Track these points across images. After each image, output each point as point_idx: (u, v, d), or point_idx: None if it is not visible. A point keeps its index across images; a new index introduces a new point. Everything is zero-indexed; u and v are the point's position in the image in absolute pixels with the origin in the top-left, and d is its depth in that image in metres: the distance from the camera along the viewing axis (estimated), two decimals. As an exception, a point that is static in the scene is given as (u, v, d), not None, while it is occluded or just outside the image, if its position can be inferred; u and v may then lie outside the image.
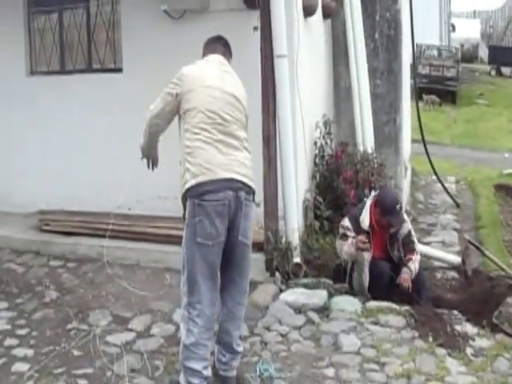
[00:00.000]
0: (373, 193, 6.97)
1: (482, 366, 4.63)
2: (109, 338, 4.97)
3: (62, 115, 7.35)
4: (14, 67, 7.69)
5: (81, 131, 7.26)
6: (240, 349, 4.33)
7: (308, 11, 6.83)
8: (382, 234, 5.83)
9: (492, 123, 18.27)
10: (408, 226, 5.97)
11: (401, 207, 5.84)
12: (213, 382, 4.23)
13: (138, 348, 4.83)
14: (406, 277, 5.68)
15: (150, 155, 4.62)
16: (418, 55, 22.80)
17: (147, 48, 6.85)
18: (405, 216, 6.00)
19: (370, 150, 7.67)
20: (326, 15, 7.84)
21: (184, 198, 4.06)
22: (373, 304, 5.44)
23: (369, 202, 5.89)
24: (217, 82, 4.21)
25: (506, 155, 14.07)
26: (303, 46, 6.45)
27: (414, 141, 10.38)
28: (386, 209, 5.70)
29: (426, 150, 9.71)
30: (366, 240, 5.62)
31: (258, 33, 5.91)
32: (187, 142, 4.08)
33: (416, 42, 22.30)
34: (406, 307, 5.38)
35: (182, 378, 4.07)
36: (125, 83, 7.05)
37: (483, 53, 42.80)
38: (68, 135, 7.34)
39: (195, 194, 3.97)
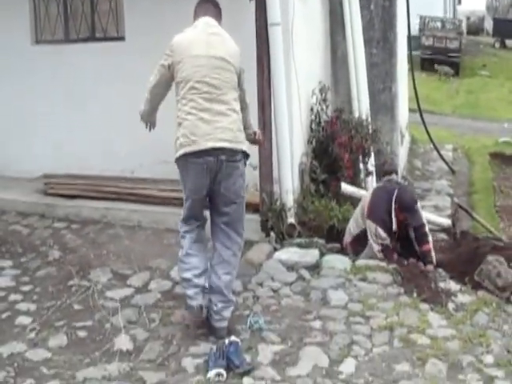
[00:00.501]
0: (371, 162, 7.12)
1: (462, 319, 4.78)
2: (108, 293, 5.11)
3: (66, 82, 7.45)
4: (19, 36, 7.78)
5: (84, 98, 7.36)
6: (231, 297, 4.53)
7: None
8: (398, 225, 5.95)
9: (493, 94, 18.25)
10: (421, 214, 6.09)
11: (418, 206, 5.97)
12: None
13: (135, 302, 4.98)
14: (430, 269, 5.75)
15: (149, 120, 4.94)
16: (421, 27, 22.79)
17: (149, 17, 6.93)
18: (420, 212, 6.05)
19: (364, 117, 7.76)
20: None
21: (176, 161, 4.53)
22: (362, 262, 5.58)
23: (393, 204, 5.89)
24: (203, 48, 4.43)
25: (506, 125, 14.09)
26: (299, 15, 6.52)
27: (415, 110, 10.41)
28: (406, 207, 5.89)
29: (422, 118, 9.79)
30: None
31: (254, 2, 5.98)
32: (178, 113, 4.44)
33: (420, 14, 22.32)
34: (394, 265, 5.52)
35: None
36: (127, 51, 7.13)
37: (488, 25, 42.42)
38: (72, 102, 7.44)
39: (182, 160, 4.45)
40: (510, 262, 5.51)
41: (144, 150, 6.73)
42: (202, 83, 4.37)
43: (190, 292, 4.49)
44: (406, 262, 5.69)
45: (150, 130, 4.99)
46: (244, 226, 4.67)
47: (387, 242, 5.84)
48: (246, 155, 4.57)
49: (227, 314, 4.50)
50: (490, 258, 5.45)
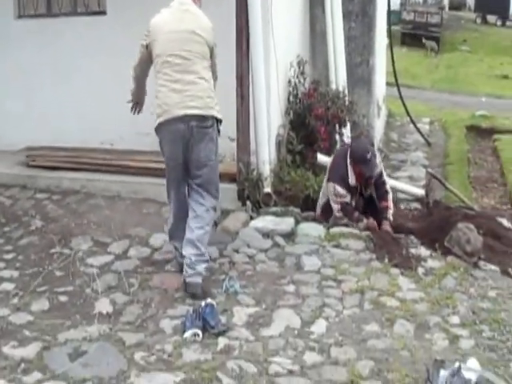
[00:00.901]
0: (346, 133, 7.26)
1: (431, 283, 4.96)
2: (89, 260, 5.26)
3: (49, 56, 7.50)
4: (1, 11, 7.79)
5: (66, 72, 7.42)
6: (203, 251, 4.77)
7: None
8: (361, 179, 6.02)
9: (472, 69, 18.43)
10: (380, 167, 6.19)
11: (372, 155, 5.96)
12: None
13: (115, 268, 5.12)
14: (386, 228, 5.96)
15: (139, 100, 5.30)
16: (403, 1, 22.91)
17: None
18: (377, 160, 6.10)
19: (341, 89, 7.87)
20: None
21: (155, 131, 4.91)
22: (336, 229, 5.74)
23: (348, 158, 5.97)
24: (174, 24, 4.77)
25: (483, 99, 14.26)
26: (278, -11, 6.58)
27: (393, 84, 10.52)
28: (358, 159, 5.88)
29: (399, 92, 9.91)
30: (376, 224, 5.91)
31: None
32: (156, 86, 4.82)
33: (403, -12, 22.33)
34: (367, 232, 5.69)
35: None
36: (108, 25, 7.19)
37: (470, 0, 42.52)
38: (54, 76, 7.50)
39: (158, 129, 4.84)
40: (480, 229, 5.69)
41: (124, 122, 6.80)
42: (173, 56, 4.70)
43: (178, 253, 4.98)
44: (365, 221, 5.87)
45: (134, 112, 5.37)
46: (218, 189, 4.97)
47: (347, 199, 5.93)
48: (217, 120, 4.84)
49: (200, 268, 4.73)
50: (460, 224, 5.61)
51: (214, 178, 4.93)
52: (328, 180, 6.09)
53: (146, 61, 4.93)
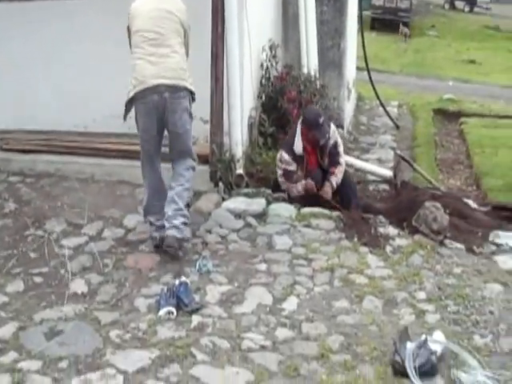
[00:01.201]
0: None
1: (399, 261, 5.07)
2: (63, 242, 5.25)
3: (22, 40, 7.39)
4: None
5: (39, 54, 7.32)
6: (181, 206, 5.00)
7: None
8: (314, 148, 6.11)
9: (440, 54, 18.59)
10: (336, 137, 6.23)
11: (324, 120, 6.01)
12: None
13: (89, 250, 5.13)
14: (326, 190, 6.05)
15: None
16: (374, -13, 22.92)
17: None
18: (332, 128, 6.17)
19: (313, 73, 7.91)
20: None
21: (130, 103, 5.05)
22: (306, 210, 5.81)
23: (298, 126, 6.09)
24: (153, 4, 5.06)
25: (450, 83, 14.40)
26: (254, -27, 6.58)
27: (363, 68, 10.57)
28: (310, 124, 5.94)
29: (369, 75, 9.98)
30: (314, 185, 5.97)
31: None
32: (131, 60, 5.03)
33: (372, -27, 22.36)
34: (337, 212, 5.77)
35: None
36: (83, 10, 7.10)
37: (440, -14, 42.76)
38: (26, 59, 7.40)
39: (134, 101, 5.00)
40: (446, 208, 5.79)
41: (97, 105, 6.79)
42: (149, 32, 4.96)
43: (154, 228, 5.13)
44: (303, 181, 5.98)
45: None
46: (195, 156, 5.26)
47: (292, 167, 6.02)
48: (190, 92, 5.05)
49: (177, 222, 4.93)
50: (427, 204, 5.71)
51: (190, 144, 5.19)
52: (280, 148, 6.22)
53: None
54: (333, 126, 6.25)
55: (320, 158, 6.16)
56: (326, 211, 5.80)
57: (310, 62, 8.12)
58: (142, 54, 4.96)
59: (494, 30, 24.68)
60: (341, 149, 6.30)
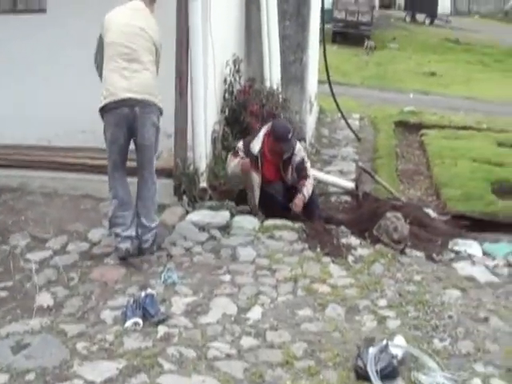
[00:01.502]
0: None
1: (360, 269, 5.26)
2: (28, 256, 5.31)
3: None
4: None
5: (3, 68, 7.37)
6: (148, 224, 5.28)
7: None
8: (276, 160, 6.30)
9: (401, 66, 18.95)
10: (302, 153, 6.44)
11: (292, 135, 6.24)
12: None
13: (54, 263, 5.21)
14: (298, 201, 6.23)
15: None
16: (334, 1, 23.25)
17: None
18: (298, 144, 6.43)
19: (276, 87, 8.09)
20: None
21: (99, 112, 5.26)
22: (270, 222, 5.98)
23: (263, 130, 6.31)
24: (127, 19, 5.30)
25: (411, 95, 14.71)
26: (217, -11, 6.73)
27: (325, 81, 10.78)
28: (278, 136, 6.16)
29: (330, 88, 10.20)
30: (249, 164, 6.16)
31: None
32: (103, 71, 5.28)
33: (334, -13, 22.72)
34: (299, 224, 5.94)
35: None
36: (48, 24, 7.17)
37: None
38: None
39: (103, 111, 5.22)
40: (406, 218, 6.01)
41: (60, 119, 6.86)
42: (122, 46, 5.18)
43: (119, 239, 5.27)
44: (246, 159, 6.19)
45: None
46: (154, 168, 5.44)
47: (243, 155, 6.26)
48: (158, 108, 5.29)
49: (147, 237, 5.32)
50: (388, 214, 5.93)
51: (154, 159, 5.41)
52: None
53: (103, 49, 5.33)
54: (299, 144, 6.49)
55: (283, 171, 6.32)
56: (289, 223, 5.96)
57: (273, 76, 8.30)
58: (114, 66, 5.17)
59: (453, 42, 25.20)
60: (308, 164, 6.51)
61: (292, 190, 6.34)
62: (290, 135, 6.18)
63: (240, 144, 6.38)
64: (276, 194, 6.32)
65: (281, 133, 6.19)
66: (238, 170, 6.24)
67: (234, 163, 6.27)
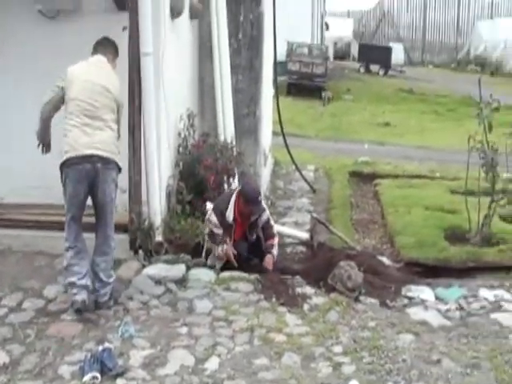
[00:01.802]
0: (235, 184, 7.77)
1: (316, 318, 5.51)
2: (-18, 314, 5.43)
3: None
4: None
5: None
6: (106, 280, 5.51)
7: (175, 12, 7.30)
8: (244, 221, 6.62)
9: (356, 117, 19.50)
10: (267, 213, 6.81)
11: (261, 198, 6.63)
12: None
13: (10, 321, 5.33)
14: (269, 261, 6.56)
15: (44, 141, 5.86)
16: (289, 53, 23.91)
17: (23, 45, 7.14)
18: (264, 204, 6.78)
19: (229, 140, 8.38)
20: (193, 16, 8.32)
21: (60, 167, 5.48)
22: (226, 274, 6.22)
23: (233, 197, 6.56)
24: (90, 76, 5.58)
25: (366, 146, 15.15)
26: (170, 44, 7.00)
27: (279, 134, 11.11)
28: (249, 200, 6.47)
29: (284, 140, 10.55)
30: (235, 253, 6.47)
31: (127, 32, 6.50)
32: (65, 126, 5.50)
33: (288, 40, 23.46)
34: (255, 275, 6.18)
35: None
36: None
37: (355, 51, 44.81)
38: None
39: (64, 166, 5.43)
40: (361, 266, 6.30)
41: (14, 176, 7.02)
42: (84, 103, 5.45)
43: (75, 290, 5.42)
44: (226, 246, 6.45)
45: (43, 151, 5.89)
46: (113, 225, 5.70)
47: (219, 231, 6.48)
48: (117, 166, 5.58)
49: (104, 291, 5.54)
50: (342, 263, 6.21)
51: (113, 215, 5.68)
52: (211, 208, 6.65)
53: (58, 101, 5.58)
54: (265, 205, 6.84)
55: (248, 232, 6.67)
56: (245, 274, 6.20)
57: (227, 129, 8.58)
58: (77, 122, 5.42)
59: (407, 92, 26.03)
60: (272, 222, 6.85)
61: (255, 245, 6.69)
62: (259, 198, 6.55)
63: (213, 218, 6.53)
64: (241, 251, 6.62)
65: (251, 196, 6.51)
66: (222, 257, 6.50)
67: (217, 252, 6.50)
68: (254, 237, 6.69)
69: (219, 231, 6.49)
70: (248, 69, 9.26)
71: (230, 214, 6.52)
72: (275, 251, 6.65)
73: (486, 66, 44.86)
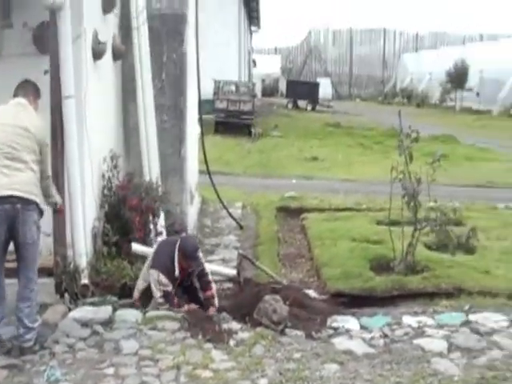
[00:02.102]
0: (160, 224, 7.91)
1: (242, 352, 5.66)
2: None
3: None
4: None
5: None
6: (31, 325, 5.53)
7: (97, 54, 7.45)
8: (183, 272, 6.73)
9: (284, 153, 19.91)
10: (203, 261, 6.99)
11: (199, 252, 6.84)
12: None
13: None
14: (212, 312, 6.65)
15: None
16: (216, 91, 24.26)
17: None
18: (201, 258, 6.96)
19: (155, 180, 8.52)
20: (116, 57, 8.46)
21: None
22: (152, 313, 6.33)
23: (176, 254, 6.66)
24: (10, 119, 5.69)
25: (294, 181, 15.48)
26: (92, 86, 7.13)
27: (209, 172, 11.28)
28: (188, 256, 6.65)
29: (210, 179, 10.74)
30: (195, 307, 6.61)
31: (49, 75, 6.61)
32: None
33: (215, 78, 23.83)
34: (181, 313, 6.30)
35: None
36: None
37: (283, 87, 45.69)
38: None
39: None
40: (286, 300, 6.50)
41: None
42: (5, 145, 5.54)
43: None
44: (186, 306, 6.51)
45: None
46: (37, 268, 5.73)
47: (169, 288, 6.56)
48: (39, 207, 5.64)
49: (29, 336, 5.52)
50: (267, 297, 6.40)
51: (37, 258, 5.72)
52: (152, 267, 6.67)
53: None
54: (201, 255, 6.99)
55: (185, 280, 6.82)
56: (171, 313, 6.32)
57: (152, 169, 8.72)
58: None
59: (334, 126, 26.75)
60: (207, 269, 7.02)
61: (188, 287, 6.88)
62: (198, 252, 6.76)
63: (162, 278, 6.53)
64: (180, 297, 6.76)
65: (190, 251, 6.69)
66: (163, 304, 6.56)
67: (158, 299, 6.55)
68: (189, 282, 6.85)
69: (169, 288, 6.58)
70: (172, 108, 9.42)
71: (177, 270, 6.65)
72: (216, 302, 6.83)
73: (413, 98, 46.49)
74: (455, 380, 5.38)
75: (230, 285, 7.82)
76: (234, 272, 7.97)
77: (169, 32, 9.21)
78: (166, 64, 9.36)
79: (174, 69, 9.41)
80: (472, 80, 39.38)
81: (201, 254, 6.91)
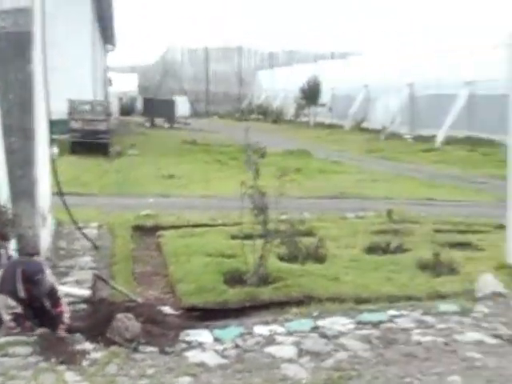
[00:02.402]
0: (11, 247, 7.76)
1: (95, 372, 5.68)
2: None
3: None
4: None
5: None
6: None
7: None
8: (28, 292, 6.59)
9: (141, 171, 19.93)
10: (52, 279, 6.89)
11: (43, 276, 6.69)
12: None
13: None
14: (63, 331, 6.55)
15: None
16: (71, 111, 23.96)
17: None
18: (47, 279, 6.80)
19: (3, 204, 8.34)
20: None
21: None
22: (2, 339, 6.21)
23: (19, 273, 6.54)
24: None
25: (151, 200, 15.54)
26: None
27: (64, 193, 11.12)
28: (31, 280, 6.54)
29: (63, 201, 10.63)
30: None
31: None
32: None
33: (70, 97, 23.51)
34: (34, 337, 6.23)
35: None
36: None
37: (140, 105, 45.63)
38: None
39: None
40: (140, 317, 6.59)
41: None
42: None
43: None
44: (38, 330, 6.42)
45: None
46: None
47: (18, 310, 6.46)
48: None
49: None
50: (119, 315, 6.45)
51: None
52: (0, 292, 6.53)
53: None
54: (48, 270, 6.90)
55: (33, 300, 6.66)
56: (23, 338, 6.23)
57: (1, 193, 8.53)
58: None
59: (191, 144, 27.07)
60: (57, 287, 6.92)
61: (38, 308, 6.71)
62: (42, 275, 6.63)
63: (9, 301, 6.43)
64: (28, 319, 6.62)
65: (31, 274, 6.58)
66: (14, 328, 6.44)
67: (8, 323, 6.44)
68: (38, 304, 6.75)
69: (18, 310, 6.47)
70: (21, 130, 9.25)
71: (21, 293, 6.51)
72: (66, 318, 6.72)
73: (268, 114, 47.81)
74: (303, 383, 5.66)
75: (84, 306, 7.77)
76: (88, 292, 7.94)
77: (15, 51, 9.06)
78: (12, 84, 9.19)
79: (21, 89, 9.25)
80: (325, 96, 41.14)
81: (47, 276, 6.77)
